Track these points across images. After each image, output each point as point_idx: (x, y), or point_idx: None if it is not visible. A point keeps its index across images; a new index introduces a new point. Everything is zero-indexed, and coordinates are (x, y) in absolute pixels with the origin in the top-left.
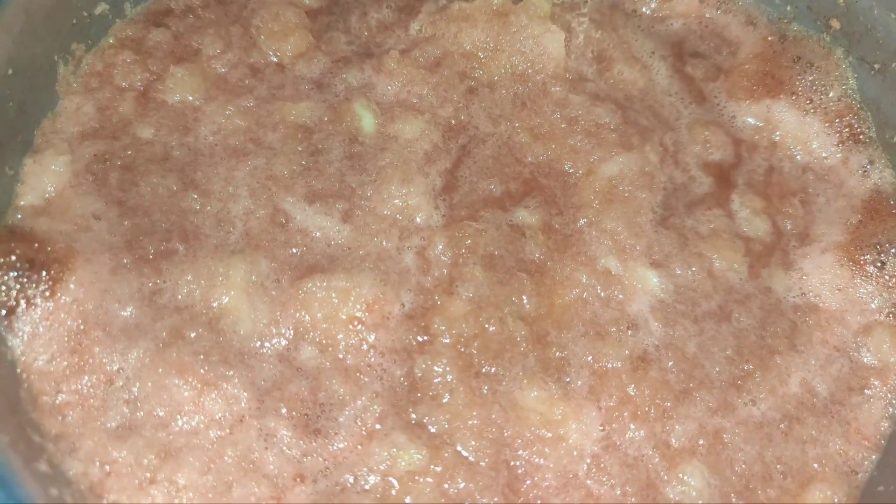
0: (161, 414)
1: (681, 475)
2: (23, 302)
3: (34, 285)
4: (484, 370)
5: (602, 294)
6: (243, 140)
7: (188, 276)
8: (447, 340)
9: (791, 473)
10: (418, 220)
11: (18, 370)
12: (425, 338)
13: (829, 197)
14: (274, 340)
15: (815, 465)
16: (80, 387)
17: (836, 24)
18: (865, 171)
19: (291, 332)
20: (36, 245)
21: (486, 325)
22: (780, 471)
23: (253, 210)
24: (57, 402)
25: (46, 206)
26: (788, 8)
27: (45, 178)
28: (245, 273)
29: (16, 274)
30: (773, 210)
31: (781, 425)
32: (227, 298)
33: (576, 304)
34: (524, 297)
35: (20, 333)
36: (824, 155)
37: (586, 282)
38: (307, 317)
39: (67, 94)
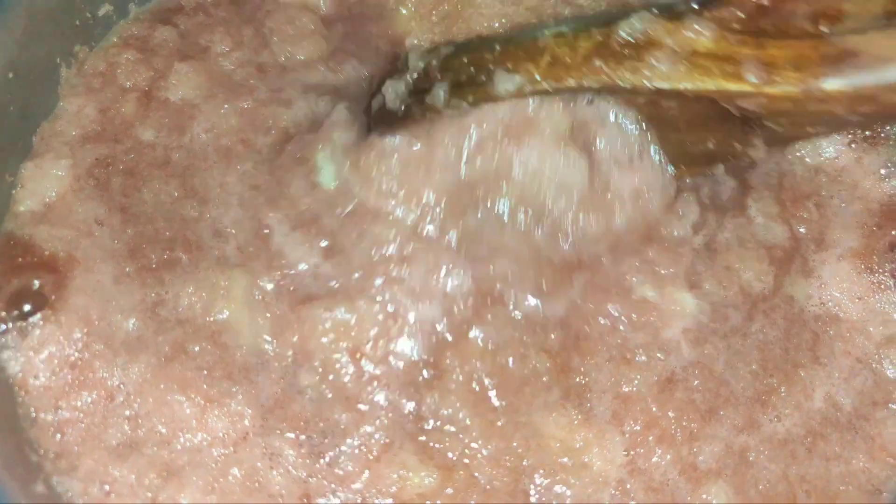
0: (163, 431)
1: (704, 496)
2: (21, 313)
3: (33, 296)
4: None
5: (634, 318)
6: (234, 141)
7: (190, 287)
8: (458, 377)
9: (815, 492)
10: None
11: (15, 387)
12: (434, 372)
13: (845, 199)
14: (276, 358)
15: (839, 485)
16: (80, 403)
17: None
18: (882, 173)
19: (291, 353)
20: (35, 253)
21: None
22: (804, 490)
23: (240, 222)
24: (56, 419)
25: (47, 211)
26: None
27: (45, 183)
28: (246, 287)
29: (14, 284)
30: (788, 214)
31: (805, 441)
32: (228, 313)
33: (603, 330)
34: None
35: (17, 347)
36: (835, 155)
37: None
38: (308, 342)
39: (68, 96)
